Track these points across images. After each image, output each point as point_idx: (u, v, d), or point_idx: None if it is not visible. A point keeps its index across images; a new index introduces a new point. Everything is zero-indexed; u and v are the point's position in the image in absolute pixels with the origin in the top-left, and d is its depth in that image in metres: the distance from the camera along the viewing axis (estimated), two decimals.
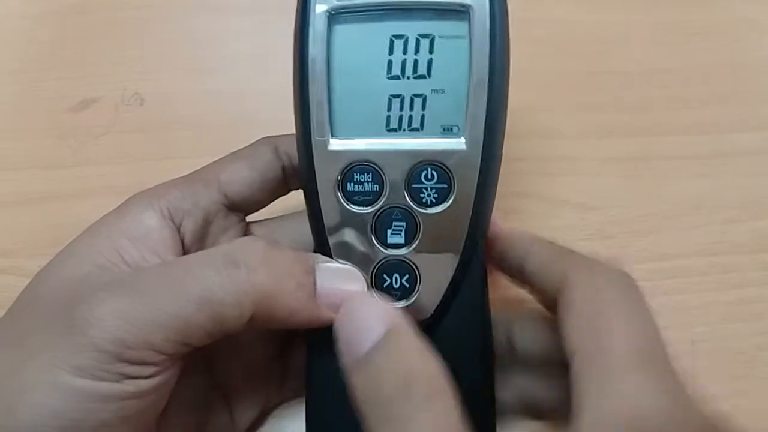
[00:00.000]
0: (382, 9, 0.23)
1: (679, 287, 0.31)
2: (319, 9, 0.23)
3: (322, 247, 0.23)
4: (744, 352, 0.30)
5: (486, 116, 0.22)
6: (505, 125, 0.23)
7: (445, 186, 0.23)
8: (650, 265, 0.32)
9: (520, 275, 0.24)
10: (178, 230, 0.24)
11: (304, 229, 0.24)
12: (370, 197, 0.23)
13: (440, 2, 0.22)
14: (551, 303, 0.23)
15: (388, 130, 0.23)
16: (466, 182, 0.23)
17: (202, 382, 0.26)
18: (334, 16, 0.23)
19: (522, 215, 0.31)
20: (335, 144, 0.23)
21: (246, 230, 0.27)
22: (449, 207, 0.23)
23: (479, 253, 0.24)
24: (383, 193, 0.23)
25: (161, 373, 0.21)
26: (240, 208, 0.26)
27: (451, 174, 0.23)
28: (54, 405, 0.19)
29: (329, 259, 0.23)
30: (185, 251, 0.24)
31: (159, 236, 0.23)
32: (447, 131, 0.23)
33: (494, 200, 0.24)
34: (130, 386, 0.20)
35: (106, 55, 0.36)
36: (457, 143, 0.23)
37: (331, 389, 0.23)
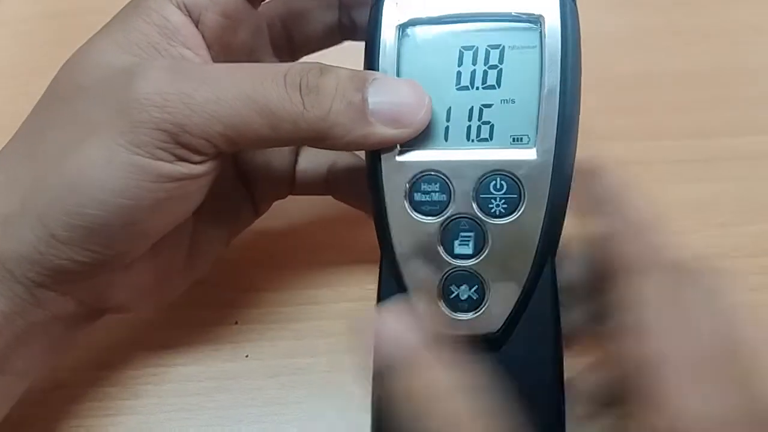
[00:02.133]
0: (452, 21, 0.23)
1: None
2: (389, 22, 0.23)
3: (388, 255, 0.23)
4: None
5: (558, 126, 0.22)
6: (577, 135, 0.23)
7: (515, 196, 0.22)
8: None
9: (582, 208, 0.23)
10: (197, 26, 0.23)
11: (316, 6, 0.26)
12: (438, 207, 0.23)
13: (511, 13, 0.22)
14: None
15: (457, 141, 0.23)
16: (537, 193, 0.22)
17: (230, 172, 0.26)
18: (404, 29, 0.23)
19: None
20: (403, 154, 0.23)
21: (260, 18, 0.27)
22: (519, 218, 0.22)
23: (550, 266, 0.23)
24: (451, 203, 0.23)
25: (208, 162, 0.22)
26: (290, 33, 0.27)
27: (521, 184, 0.22)
28: (112, 182, 0.20)
29: (386, 75, 0.23)
30: (208, 46, 0.23)
31: (187, 32, 0.23)
32: (517, 141, 0.23)
33: (566, 211, 0.23)
34: (183, 168, 0.21)
35: None
36: (528, 153, 0.22)
37: None
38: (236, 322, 0.31)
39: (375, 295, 0.24)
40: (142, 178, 0.21)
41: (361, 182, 0.28)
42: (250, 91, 0.21)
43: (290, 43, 0.28)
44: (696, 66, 0.37)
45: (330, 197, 0.31)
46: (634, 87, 0.36)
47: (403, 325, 0.20)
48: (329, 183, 0.30)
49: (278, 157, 0.29)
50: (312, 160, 0.30)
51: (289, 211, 0.32)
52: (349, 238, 0.32)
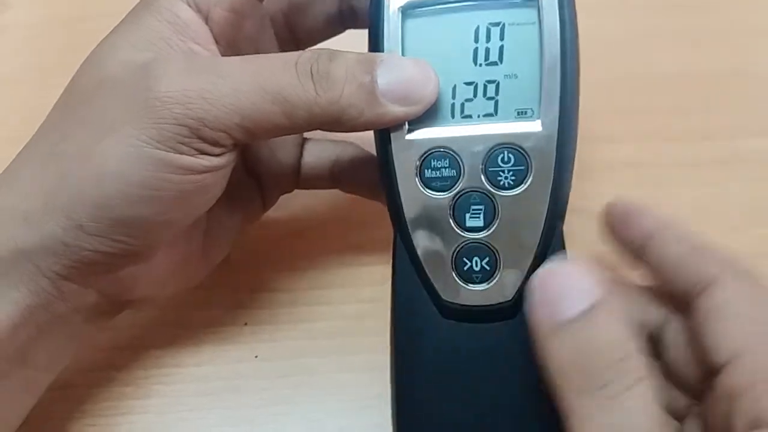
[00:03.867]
0: (453, 2, 0.24)
1: None
2: (392, 5, 0.24)
3: (401, 232, 0.24)
4: None
5: (560, 98, 0.23)
6: (578, 106, 0.23)
7: (523, 168, 0.23)
8: None
9: (639, 254, 0.24)
10: (206, 22, 0.24)
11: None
12: (448, 182, 0.24)
13: None
14: (679, 297, 0.22)
15: (463, 117, 0.24)
16: (544, 163, 0.23)
17: (239, 165, 0.27)
18: (407, 11, 0.24)
19: None
20: (412, 133, 0.24)
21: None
22: (527, 188, 0.23)
23: (559, 234, 0.24)
24: (461, 178, 0.23)
25: (227, 154, 0.22)
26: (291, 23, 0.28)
27: (528, 156, 0.23)
28: (138, 175, 0.21)
29: (393, 54, 0.23)
30: (216, 42, 0.24)
31: (197, 27, 0.23)
32: (522, 115, 0.23)
33: (572, 181, 0.24)
34: (204, 161, 0.22)
35: None
36: (533, 125, 0.23)
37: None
38: (246, 323, 0.31)
39: (385, 297, 0.25)
40: (166, 171, 0.21)
41: (367, 172, 0.29)
42: (263, 83, 0.21)
43: (293, 35, 0.28)
44: (702, 68, 0.37)
45: (339, 197, 0.31)
46: (640, 89, 0.36)
47: (594, 276, 0.20)
48: (335, 175, 0.30)
49: (283, 151, 0.29)
50: (317, 153, 0.30)
51: (298, 212, 0.32)
52: (359, 239, 0.33)
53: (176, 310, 0.31)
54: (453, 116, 0.24)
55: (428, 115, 0.23)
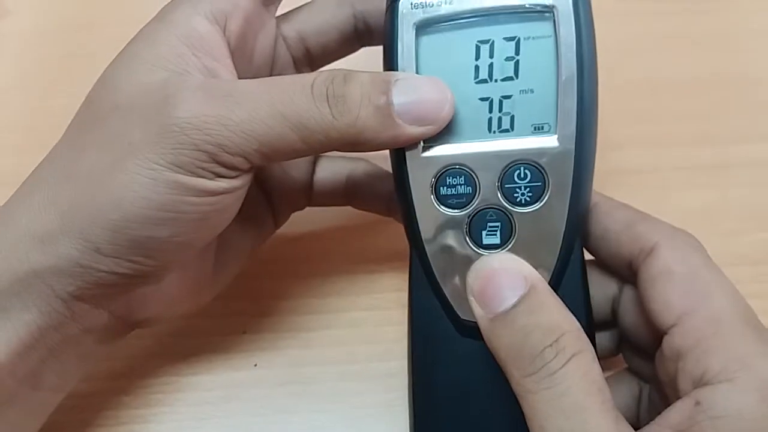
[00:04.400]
0: (467, 17, 0.23)
1: None
2: (407, 23, 0.24)
3: (418, 250, 0.24)
4: None
5: (577, 112, 0.22)
6: (596, 120, 0.23)
7: (540, 184, 0.23)
8: None
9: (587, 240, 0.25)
10: (223, 33, 0.24)
11: (330, 18, 0.27)
12: (464, 200, 0.23)
13: (523, 5, 0.23)
14: (624, 267, 0.24)
15: (479, 133, 0.23)
16: (561, 179, 0.23)
17: (252, 185, 0.27)
18: (421, 29, 0.24)
19: None
20: (427, 150, 0.23)
21: (276, 29, 0.27)
22: (544, 205, 0.23)
23: (577, 251, 0.23)
24: (477, 195, 0.23)
25: (243, 176, 0.23)
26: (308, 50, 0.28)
27: (545, 172, 0.23)
28: (158, 198, 0.21)
29: (408, 74, 0.23)
30: (231, 53, 0.24)
31: (213, 41, 0.23)
32: (538, 130, 0.23)
33: (590, 197, 0.23)
34: (222, 183, 0.22)
35: None
36: (550, 141, 0.23)
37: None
38: (245, 332, 0.31)
39: (384, 304, 0.24)
40: (185, 194, 0.22)
41: (380, 188, 0.29)
42: (281, 107, 0.22)
43: (308, 54, 0.29)
44: (703, 73, 0.37)
45: (339, 207, 0.31)
46: (642, 94, 0.36)
47: (522, 267, 0.22)
48: (348, 192, 0.30)
49: (296, 168, 0.30)
50: (330, 171, 0.30)
51: (298, 221, 0.32)
52: (358, 248, 0.33)
53: (175, 319, 0.31)
54: (469, 133, 0.23)
55: (444, 132, 0.23)
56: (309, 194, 0.30)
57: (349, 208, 0.31)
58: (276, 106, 0.22)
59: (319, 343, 0.31)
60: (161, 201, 0.21)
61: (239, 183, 0.23)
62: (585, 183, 0.23)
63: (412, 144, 0.23)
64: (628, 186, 0.33)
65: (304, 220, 0.33)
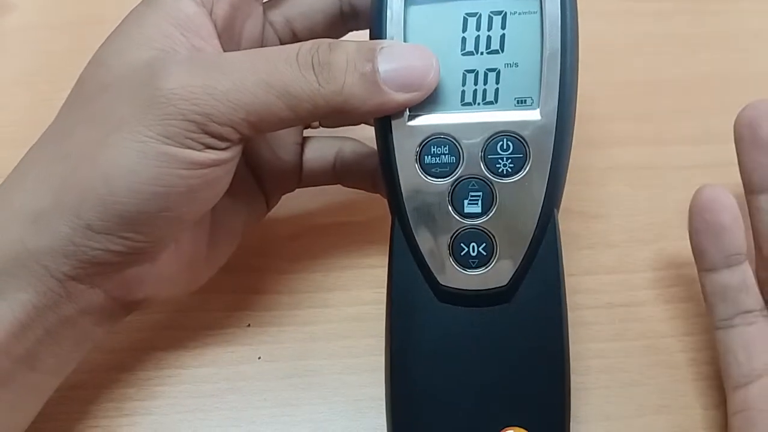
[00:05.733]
0: None
1: (683, 295, 0.31)
2: None
3: (400, 218, 0.24)
4: None
5: (559, 88, 0.23)
6: (576, 96, 0.24)
7: (521, 156, 0.24)
8: (654, 274, 0.32)
9: None
10: (210, 16, 0.24)
11: (314, 1, 0.27)
12: (448, 169, 0.24)
13: None
14: None
15: (463, 104, 0.24)
16: (542, 152, 0.23)
17: (241, 164, 0.27)
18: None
19: None
20: (413, 119, 0.24)
21: (263, 15, 0.27)
22: (525, 176, 0.24)
23: (554, 222, 0.24)
24: (460, 165, 0.24)
25: (232, 148, 0.22)
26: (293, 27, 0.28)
27: (527, 144, 0.23)
28: (147, 171, 0.21)
29: (393, 42, 0.23)
30: (218, 36, 0.24)
31: (200, 22, 0.23)
32: (521, 103, 0.24)
33: (567, 170, 0.24)
34: (211, 155, 0.22)
35: None
36: (532, 114, 0.23)
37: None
38: (249, 325, 0.31)
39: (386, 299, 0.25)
40: (174, 166, 0.21)
41: (368, 165, 0.30)
42: (266, 76, 0.22)
43: (296, 39, 0.28)
44: (702, 72, 0.38)
45: (341, 199, 0.31)
46: (641, 94, 0.37)
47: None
48: (337, 170, 0.30)
49: (284, 148, 0.30)
50: (319, 151, 0.30)
51: (301, 214, 0.33)
52: (361, 242, 0.33)
53: (179, 312, 0.31)
54: (454, 103, 0.24)
55: (429, 102, 0.24)
56: (299, 175, 0.30)
57: (351, 200, 0.31)
58: (261, 74, 0.22)
59: (322, 336, 0.31)
60: (150, 174, 0.21)
61: (228, 155, 0.23)
62: (564, 156, 0.24)
63: (398, 113, 0.24)
64: (628, 183, 0.34)
65: (308, 215, 0.33)
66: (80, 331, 0.24)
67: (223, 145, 0.22)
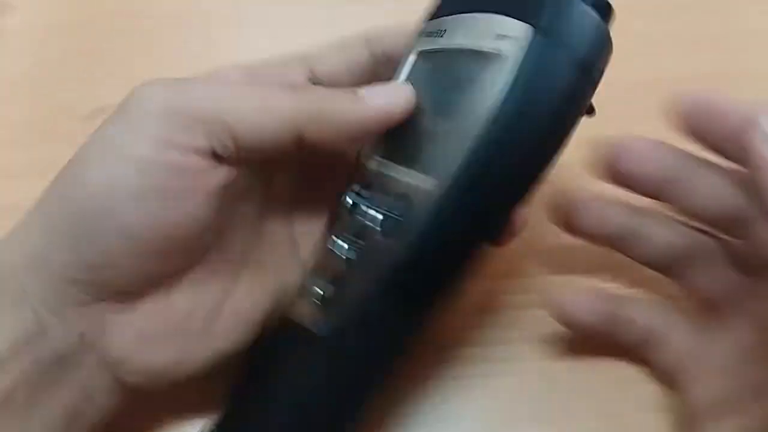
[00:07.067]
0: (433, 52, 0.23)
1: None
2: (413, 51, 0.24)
3: None
4: None
5: (464, 160, 0.20)
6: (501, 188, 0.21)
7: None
8: (654, 273, 0.30)
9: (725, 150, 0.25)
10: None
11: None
12: None
13: (472, 50, 0.22)
14: None
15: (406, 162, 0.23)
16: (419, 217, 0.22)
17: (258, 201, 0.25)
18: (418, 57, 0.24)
19: (528, 224, 0.27)
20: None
21: None
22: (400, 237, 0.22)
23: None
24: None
25: (226, 167, 0.22)
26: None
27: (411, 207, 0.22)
28: (138, 179, 0.21)
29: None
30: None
31: None
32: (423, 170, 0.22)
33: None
34: (190, 159, 0.21)
35: (120, 63, 0.37)
36: (425, 180, 0.21)
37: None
38: None
39: None
40: (150, 168, 0.21)
41: None
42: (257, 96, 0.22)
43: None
44: (704, 71, 0.37)
45: None
46: (642, 92, 0.34)
47: None
48: None
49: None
50: None
51: None
52: None
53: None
54: (403, 158, 0.23)
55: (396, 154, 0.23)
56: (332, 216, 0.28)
57: None
58: (253, 93, 0.22)
59: None
60: (142, 182, 0.21)
61: (206, 165, 0.21)
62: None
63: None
64: None
65: None
66: (69, 402, 0.22)
67: (204, 152, 0.21)
